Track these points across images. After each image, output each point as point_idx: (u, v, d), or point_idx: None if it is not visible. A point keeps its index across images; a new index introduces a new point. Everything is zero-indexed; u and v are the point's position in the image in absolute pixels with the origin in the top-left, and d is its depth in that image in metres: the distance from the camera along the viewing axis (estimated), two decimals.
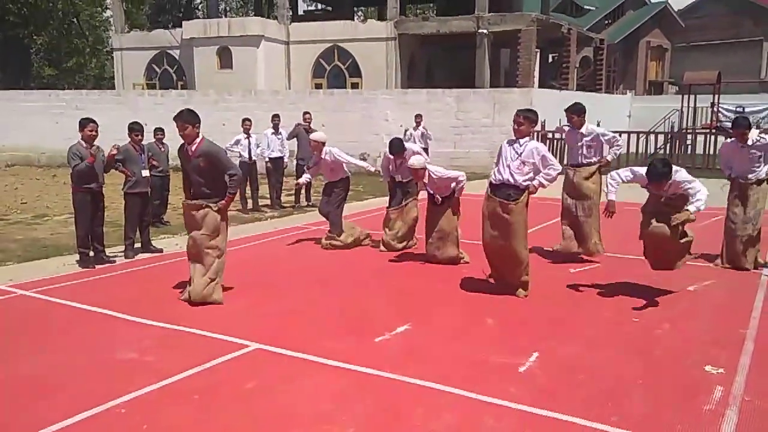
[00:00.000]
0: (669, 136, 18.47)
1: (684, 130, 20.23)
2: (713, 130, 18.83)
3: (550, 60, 30.42)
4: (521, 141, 5.72)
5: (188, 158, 5.70)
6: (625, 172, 5.64)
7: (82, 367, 4.19)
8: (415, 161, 7.05)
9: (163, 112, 18.04)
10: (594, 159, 7.10)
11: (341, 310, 5.52)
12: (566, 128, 7.34)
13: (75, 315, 5.33)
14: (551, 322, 5.10)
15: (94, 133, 6.98)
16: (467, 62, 23.35)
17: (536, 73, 22.92)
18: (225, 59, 23.29)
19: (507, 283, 5.86)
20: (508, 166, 5.67)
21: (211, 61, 23.36)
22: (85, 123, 7.02)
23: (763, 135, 6.77)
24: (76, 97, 21.82)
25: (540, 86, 22.75)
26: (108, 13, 39.48)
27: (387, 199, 8.26)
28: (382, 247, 7.90)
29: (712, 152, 15.77)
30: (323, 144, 8.21)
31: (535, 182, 5.69)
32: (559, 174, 5.79)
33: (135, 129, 7.72)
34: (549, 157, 5.71)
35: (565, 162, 7.48)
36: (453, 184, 7.02)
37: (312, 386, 3.88)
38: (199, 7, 40.31)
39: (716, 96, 21.89)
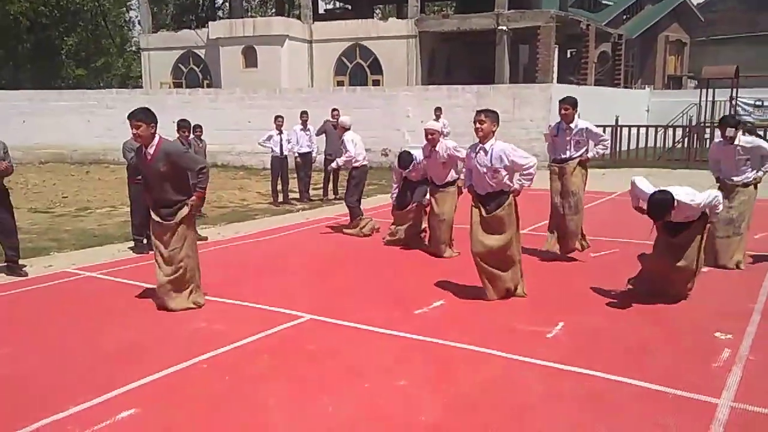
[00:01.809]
0: (687, 130, 18.75)
1: (702, 124, 20.47)
2: None
3: (569, 56, 30.69)
4: (486, 146, 5.44)
5: (147, 163, 5.26)
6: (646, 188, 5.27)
7: (161, 334, 4.77)
8: (431, 123, 7.37)
9: (191, 110, 18.68)
10: (577, 154, 6.92)
11: (379, 288, 6.05)
12: (551, 128, 7.15)
13: (142, 292, 5.90)
14: (574, 298, 5.58)
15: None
16: (487, 59, 23.72)
17: (555, 69, 23.24)
18: (250, 58, 23.89)
19: (502, 289, 5.57)
20: (485, 176, 5.45)
21: (237, 60, 23.98)
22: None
23: (749, 138, 6.68)
24: (106, 96, 22.58)
25: (559, 82, 23.04)
26: (132, 13, 40.38)
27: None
28: (388, 238, 8.16)
29: None
30: (344, 129, 9.04)
31: (516, 186, 5.51)
32: (536, 168, 5.51)
33: (183, 126, 8.31)
34: (520, 155, 5.42)
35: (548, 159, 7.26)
36: (460, 165, 7.14)
37: (366, 348, 4.43)
38: (222, 7, 41.00)
39: (734, 90, 22.09)
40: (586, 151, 6.98)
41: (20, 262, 6.65)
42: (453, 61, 26.78)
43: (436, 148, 7.21)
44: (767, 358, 4.16)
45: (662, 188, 5.14)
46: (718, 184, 6.78)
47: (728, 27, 45.04)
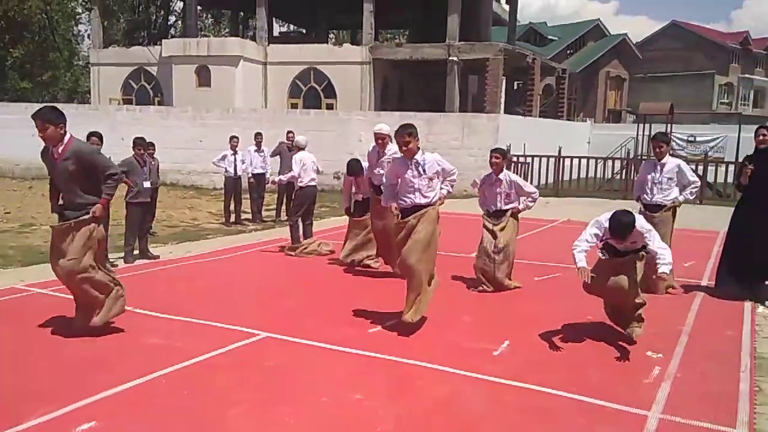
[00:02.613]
0: (625, 162, 19.69)
1: (639, 157, 21.52)
2: None
3: (516, 87, 31.79)
4: (418, 158, 5.55)
5: (54, 161, 4.86)
6: (591, 231, 5.13)
7: (118, 349, 4.80)
8: (381, 126, 7.41)
9: (141, 127, 18.46)
10: (508, 207, 7.00)
11: (332, 308, 6.20)
12: (478, 181, 7.23)
13: None
14: (519, 318, 5.88)
15: (94, 146, 7.58)
16: (438, 87, 24.38)
17: (502, 100, 24.06)
18: (203, 77, 23.82)
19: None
20: (418, 189, 5.52)
21: (190, 78, 23.87)
22: (89, 136, 7.69)
23: (676, 161, 7.04)
24: None
25: (506, 112, 23.83)
26: (82, 27, 39.61)
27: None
28: (341, 258, 8.16)
29: None
30: (298, 149, 9.26)
31: (443, 192, 5.76)
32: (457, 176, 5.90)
33: (139, 144, 8.33)
34: (448, 164, 5.78)
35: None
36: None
37: (322, 364, 4.59)
38: (174, 25, 40.70)
39: (669, 126, 23.32)
40: (518, 203, 7.05)
41: None
42: (405, 88, 27.38)
43: (385, 150, 7.39)
44: (693, 375, 4.53)
45: (624, 210, 5.11)
46: (641, 207, 7.05)
47: (665, 65, 47.59)
